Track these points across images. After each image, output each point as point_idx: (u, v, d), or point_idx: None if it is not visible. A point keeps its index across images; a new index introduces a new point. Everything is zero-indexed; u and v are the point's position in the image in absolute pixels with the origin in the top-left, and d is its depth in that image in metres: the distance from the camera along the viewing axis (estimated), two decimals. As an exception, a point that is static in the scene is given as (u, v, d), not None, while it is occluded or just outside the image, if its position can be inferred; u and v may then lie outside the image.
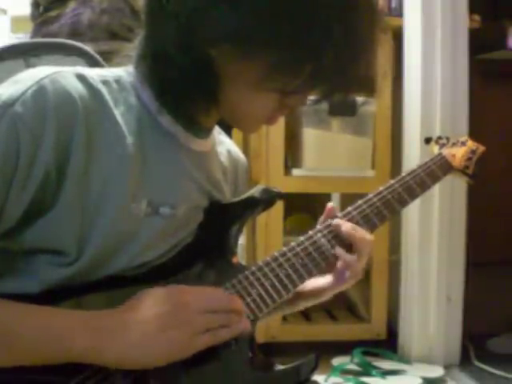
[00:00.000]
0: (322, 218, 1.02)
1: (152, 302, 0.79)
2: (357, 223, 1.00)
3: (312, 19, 0.79)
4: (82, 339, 0.76)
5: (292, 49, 0.79)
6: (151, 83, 0.87)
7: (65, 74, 0.81)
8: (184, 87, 0.85)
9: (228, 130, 1.11)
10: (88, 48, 1.12)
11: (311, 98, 0.88)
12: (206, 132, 0.94)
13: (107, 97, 0.84)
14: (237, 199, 0.97)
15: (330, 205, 1.03)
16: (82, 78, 0.82)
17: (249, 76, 0.82)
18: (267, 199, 0.96)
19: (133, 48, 0.92)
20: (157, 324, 0.78)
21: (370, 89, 0.88)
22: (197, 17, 0.80)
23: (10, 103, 0.77)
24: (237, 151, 1.08)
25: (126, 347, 0.77)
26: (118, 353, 0.77)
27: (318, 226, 0.99)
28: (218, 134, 1.03)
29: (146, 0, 0.86)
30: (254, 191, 0.96)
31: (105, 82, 0.85)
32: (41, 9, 2.04)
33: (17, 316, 0.76)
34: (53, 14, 1.98)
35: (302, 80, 0.82)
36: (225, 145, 1.05)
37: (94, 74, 0.85)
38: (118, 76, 0.88)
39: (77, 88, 0.81)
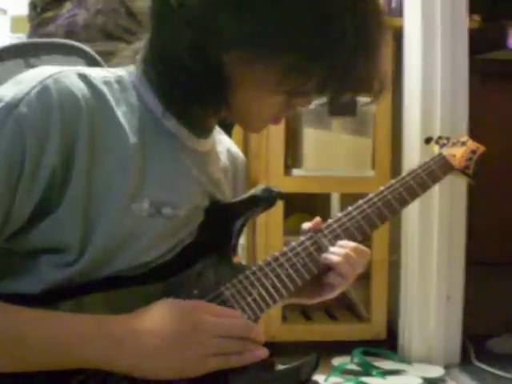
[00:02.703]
0: (306, 227, 1.00)
1: (169, 317, 0.79)
2: (357, 223, 1.00)
3: (326, 22, 0.80)
4: (93, 348, 0.76)
5: (306, 52, 0.80)
6: (158, 87, 0.87)
7: (67, 74, 0.81)
8: (195, 91, 0.85)
9: (228, 130, 1.11)
10: (88, 48, 1.12)
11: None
12: (207, 132, 0.95)
13: (109, 97, 0.84)
14: (237, 199, 0.97)
15: (318, 219, 1.01)
16: (84, 77, 0.82)
17: (261, 79, 0.83)
18: (268, 198, 0.96)
19: (134, 49, 0.92)
20: (171, 341, 0.78)
21: (378, 89, 0.89)
22: (210, 23, 0.80)
23: (14, 104, 0.77)
24: (236, 149, 1.09)
25: (138, 357, 0.77)
26: (129, 362, 0.77)
27: (310, 232, 0.99)
28: (217, 133, 1.03)
29: (155, 4, 0.86)
30: (255, 191, 0.96)
31: (106, 83, 0.85)
32: (38, 10, 2.03)
33: (27, 323, 0.76)
34: (49, 14, 1.98)
35: (315, 81, 0.83)
36: (224, 144, 1.05)
37: (96, 74, 0.85)
38: (119, 76, 0.88)
39: (79, 87, 0.81)
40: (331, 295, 1.02)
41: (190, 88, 0.85)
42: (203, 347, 0.79)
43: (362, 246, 0.99)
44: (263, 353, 0.84)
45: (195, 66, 0.82)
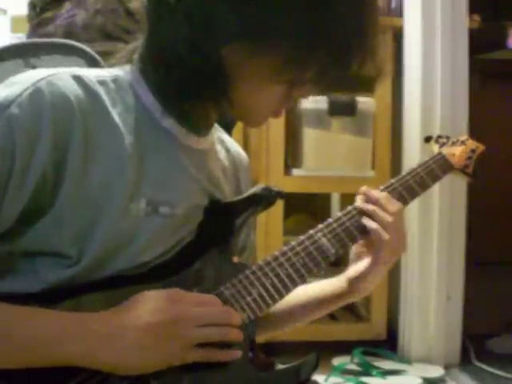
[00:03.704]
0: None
1: (148, 309, 0.79)
2: (357, 222, 0.99)
3: (324, 9, 0.80)
4: (71, 344, 0.76)
5: (305, 40, 0.81)
6: (156, 85, 0.87)
7: (61, 76, 0.81)
8: (194, 88, 0.85)
9: (228, 130, 1.11)
10: (88, 48, 1.12)
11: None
12: (206, 130, 0.95)
13: (104, 97, 0.83)
14: (237, 198, 0.97)
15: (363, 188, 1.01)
16: (78, 79, 0.82)
17: (261, 70, 0.84)
18: (268, 196, 0.95)
19: (129, 50, 0.92)
20: (151, 333, 0.78)
21: (375, 81, 0.90)
22: (208, 16, 0.80)
23: (5, 105, 0.77)
24: (237, 150, 1.08)
25: (119, 352, 0.77)
26: (110, 357, 0.77)
27: (320, 225, 0.99)
28: (218, 132, 1.03)
29: (152, 2, 0.85)
30: (255, 190, 0.96)
31: (102, 82, 0.85)
32: (37, 10, 2.03)
33: (8, 319, 0.76)
34: (48, 15, 1.98)
35: (314, 70, 0.84)
36: (224, 143, 1.05)
37: (92, 74, 0.85)
38: (115, 76, 0.87)
39: (73, 90, 0.80)
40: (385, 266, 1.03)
41: (189, 84, 0.85)
42: (184, 337, 0.79)
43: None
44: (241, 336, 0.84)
45: (194, 61, 0.82)
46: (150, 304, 0.80)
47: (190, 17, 0.81)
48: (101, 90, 0.83)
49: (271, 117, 0.93)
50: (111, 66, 0.93)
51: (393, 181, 1.05)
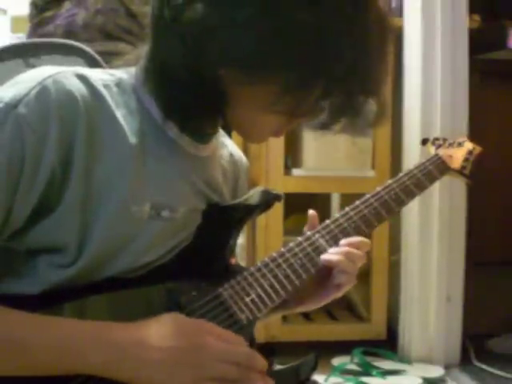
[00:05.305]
0: (305, 228, 1.00)
1: (175, 334, 0.79)
2: (354, 223, 1.00)
3: (321, 41, 0.78)
4: (95, 355, 0.76)
5: (302, 72, 0.79)
6: (157, 96, 0.87)
7: (66, 75, 0.81)
8: (191, 104, 0.85)
9: (228, 131, 1.11)
10: (88, 48, 1.12)
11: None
12: (208, 137, 0.95)
13: (108, 98, 0.84)
14: (235, 201, 0.97)
15: (311, 212, 1.01)
16: (82, 78, 0.83)
17: (258, 99, 0.83)
18: (265, 202, 0.95)
19: (137, 54, 0.92)
20: (170, 357, 0.77)
21: (378, 113, 0.89)
22: (204, 39, 0.79)
23: (13, 104, 0.78)
24: (239, 154, 1.09)
25: (139, 367, 0.77)
26: (130, 371, 0.77)
27: (308, 232, 0.98)
28: (221, 136, 1.03)
29: (151, 16, 0.85)
30: (253, 193, 0.96)
31: (105, 86, 0.85)
32: (38, 9, 2.03)
33: (30, 329, 0.76)
34: (48, 14, 1.98)
35: (313, 101, 0.83)
36: (227, 147, 1.05)
37: (95, 76, 0.85)
38: (118, 79, 0.88)
39: (78, 88, 0.81)
40: (339, 294, 1.00)
41: (187, 100, 0.85)
42: (204, 369, 0.78)
43: (358, 238, 0.98)
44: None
45: (190, 80, 0.82)
46: (176, 327, 0.79)
47: (184, 37, 0.80)
48: (104, 92, 0.84)
49: (271, 136, 0.92)
50: (115, 67, 0.93)
51: (390, 182, 1.06)
